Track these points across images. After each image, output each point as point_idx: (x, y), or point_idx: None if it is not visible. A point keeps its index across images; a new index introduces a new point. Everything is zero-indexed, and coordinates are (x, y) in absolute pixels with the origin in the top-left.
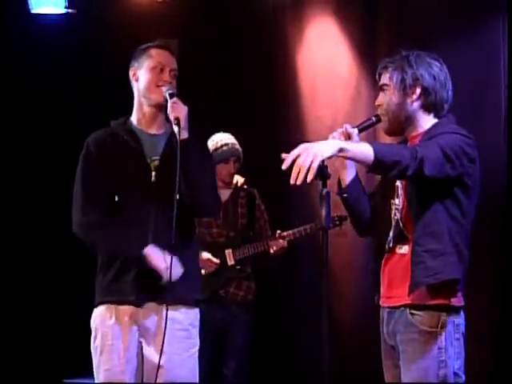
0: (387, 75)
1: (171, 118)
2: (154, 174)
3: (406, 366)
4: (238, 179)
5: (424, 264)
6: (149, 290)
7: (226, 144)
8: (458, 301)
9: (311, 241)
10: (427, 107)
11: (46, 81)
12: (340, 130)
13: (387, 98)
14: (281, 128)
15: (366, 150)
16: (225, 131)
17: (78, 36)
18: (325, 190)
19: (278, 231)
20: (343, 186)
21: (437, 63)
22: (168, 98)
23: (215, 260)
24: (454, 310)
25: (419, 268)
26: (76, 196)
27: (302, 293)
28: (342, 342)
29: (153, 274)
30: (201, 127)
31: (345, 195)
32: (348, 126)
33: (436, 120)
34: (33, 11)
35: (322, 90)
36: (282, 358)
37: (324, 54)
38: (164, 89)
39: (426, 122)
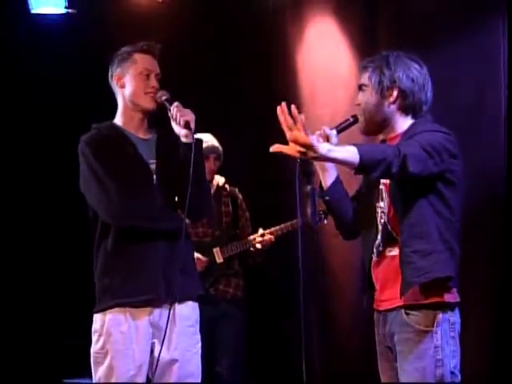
0: (366, 75)
1: (180, 122)
2: (155, 177)
3: (403, 366)
4: (219, 179)
5: (413, 264)
6: (164, 287)
7: (206, 142)
8: (452, 297)
9: (305, 238)
10: (405, 109)
11: (46, 81)
12: (318, 132)
13: (365, 98)
14: (280, 128)
15: (351, 152)
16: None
17: (78, 36)
18: (309, 187)
19: (261, 230)
20: (324, 188)
21: (416, 65)
22: (167, 104)
23: (204, 258)
24: (449, 308)
25: (409, 269)
26: (114, 190)
27: (296, 290)
28: (340, 342)
29: (165, 270)
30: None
31: (326, 198)
32: (326, 128)
33: (413, 121)
34: (33, 11)
35: (322, 90)
36: (277, 355)
37: (324, 53)
38: (158, 95)
39: (404, 123)
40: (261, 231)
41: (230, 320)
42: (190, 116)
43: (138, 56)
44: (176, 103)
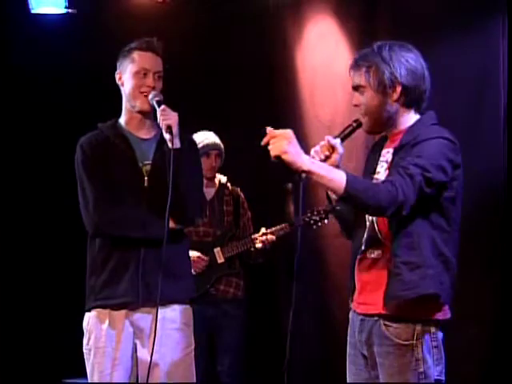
0: (361, 76)
1: (162, 126)
2: (146, 179)
3: (385, 379)
4: (221, 178)
5: (401, 276)
6: (142, 291)
7: (207, 138)
8: (440, 315)
9: (306, 238)
10: (408, 104)
11: (46, 81)
12: (322, 143)
13: (366, 100)
14: (280, 127)
15: (337, 178)
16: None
17: (78, 36)
18: (290, 185)
19: (263, 229)
20: (332, 197)
21: (412, 55)
22: (156, 106)
23: (205, 257)
24: (433, 323)
25: (396, 280)
26: (91, 199)
27: (299, 290)
28: (340, 343)
29: (145, 274)
30: (189, 129)
31: (337, 208)
32: (330, 138)
33: (417, 116)
34: (33, 11)
35: (322, 90)
36: (277, 355)
37: (324, 53)
38: (150, 96)
39: (407, 119)
40: (263, 230)
41: (230, 320)
42: (173, 120)
43: (136, 54)
44: (162, 106)
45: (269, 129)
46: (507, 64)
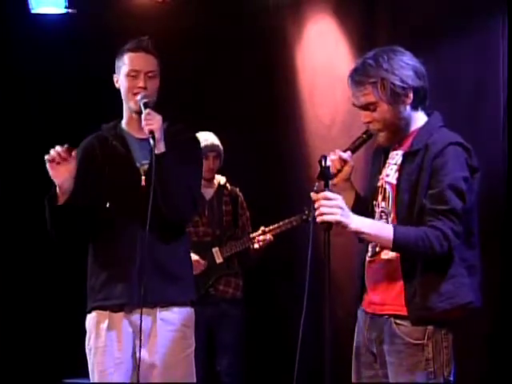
0: (370, 94)
1: (145, 131)
2: (143, 178)
3: (394, 378)
4: (220, 179)
5: (436, 287)
6: (138, 292)
7: (206, 140)
8: (457, 316)
9: (305, 236)
10: (417, 105)
11: (46, 81)
12: (333, 157)
13: (380, 115)
14: (280, 127)
15: (385, 236)
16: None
17: (78, 36)
18: (327, 191)
19: (262, 227)
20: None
21: (407, 57)
22: (142, 108)
23: (202, 261)
24: (446, 323)
25: (432, 292)
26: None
27: (299, 290)
28: (341, 341)
29: (142, 275)
30: (185, 129)
31: None
32: (340, 152)
33: (424, 115)
34: (33, 11)
35: (321, 89)
36: (277, 354)
37: (323, 53)
38: (138, 98)
39: (417, 119)
40: (262, 229)
41: (229, 320)
42: (156, 125)
43: (127, 56)
44: (147, 110)
45: (313, 194)
46: (507, 64)
